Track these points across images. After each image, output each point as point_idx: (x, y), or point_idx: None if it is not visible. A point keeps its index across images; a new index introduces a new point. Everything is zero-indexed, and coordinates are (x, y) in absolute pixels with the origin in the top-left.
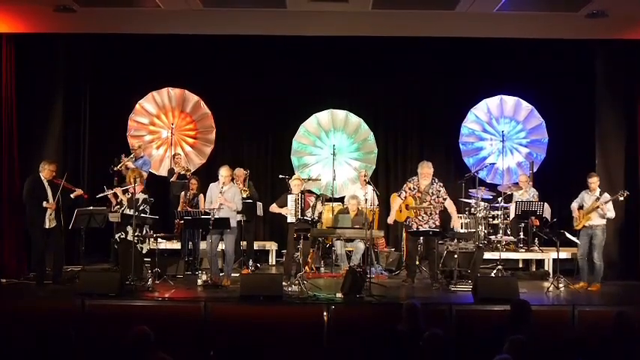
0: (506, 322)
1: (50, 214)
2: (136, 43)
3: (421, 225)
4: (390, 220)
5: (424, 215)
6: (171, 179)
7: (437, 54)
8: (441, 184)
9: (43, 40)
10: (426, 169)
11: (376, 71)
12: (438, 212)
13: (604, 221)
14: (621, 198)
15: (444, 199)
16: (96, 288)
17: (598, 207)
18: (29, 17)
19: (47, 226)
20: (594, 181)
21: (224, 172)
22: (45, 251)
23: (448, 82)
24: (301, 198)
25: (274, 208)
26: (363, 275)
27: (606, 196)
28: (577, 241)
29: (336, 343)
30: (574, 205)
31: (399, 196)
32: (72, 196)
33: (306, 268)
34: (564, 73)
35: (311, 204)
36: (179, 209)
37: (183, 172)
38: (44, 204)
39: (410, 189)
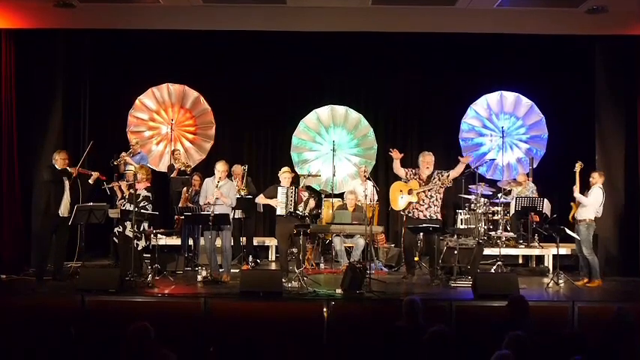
0: (505, 319)
1: (67, 201)
2: (135, 39)
3: (422, 211)
4: (396, 166)
5: (425, 199)
6: (171, 175)
7: (437, 50)
8: (442, 170)
9: (42, 36)
10: (427, 157)
11: (376, 67)
12: (439, 200)
13: (587, 216)
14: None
15: (447, 175)
16: (96, 284)
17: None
18: (29, 13)
19: (62, 214)
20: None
21: (220, 166)
22: (49, 244)
23: (448, 78)
24: (295, 191)
25: (261, 199)
26: (362, 271)
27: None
28: (576, 236)
29: (335, 339)
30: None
31: (406, 174)
32: (90, 181)
33: (306, 263)
34: (564, 68)
35: (304, 199)
36: (180, 205)
37: (182, 168)
38: (69, 169)
39: (413, 172)
